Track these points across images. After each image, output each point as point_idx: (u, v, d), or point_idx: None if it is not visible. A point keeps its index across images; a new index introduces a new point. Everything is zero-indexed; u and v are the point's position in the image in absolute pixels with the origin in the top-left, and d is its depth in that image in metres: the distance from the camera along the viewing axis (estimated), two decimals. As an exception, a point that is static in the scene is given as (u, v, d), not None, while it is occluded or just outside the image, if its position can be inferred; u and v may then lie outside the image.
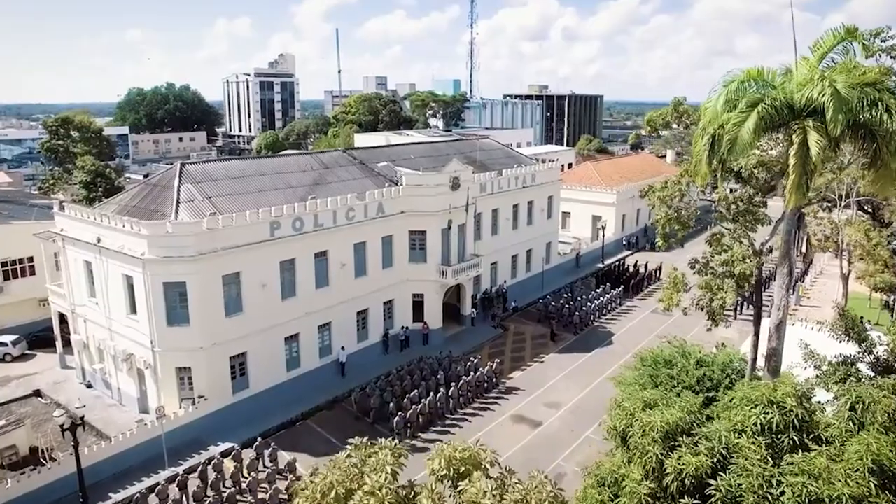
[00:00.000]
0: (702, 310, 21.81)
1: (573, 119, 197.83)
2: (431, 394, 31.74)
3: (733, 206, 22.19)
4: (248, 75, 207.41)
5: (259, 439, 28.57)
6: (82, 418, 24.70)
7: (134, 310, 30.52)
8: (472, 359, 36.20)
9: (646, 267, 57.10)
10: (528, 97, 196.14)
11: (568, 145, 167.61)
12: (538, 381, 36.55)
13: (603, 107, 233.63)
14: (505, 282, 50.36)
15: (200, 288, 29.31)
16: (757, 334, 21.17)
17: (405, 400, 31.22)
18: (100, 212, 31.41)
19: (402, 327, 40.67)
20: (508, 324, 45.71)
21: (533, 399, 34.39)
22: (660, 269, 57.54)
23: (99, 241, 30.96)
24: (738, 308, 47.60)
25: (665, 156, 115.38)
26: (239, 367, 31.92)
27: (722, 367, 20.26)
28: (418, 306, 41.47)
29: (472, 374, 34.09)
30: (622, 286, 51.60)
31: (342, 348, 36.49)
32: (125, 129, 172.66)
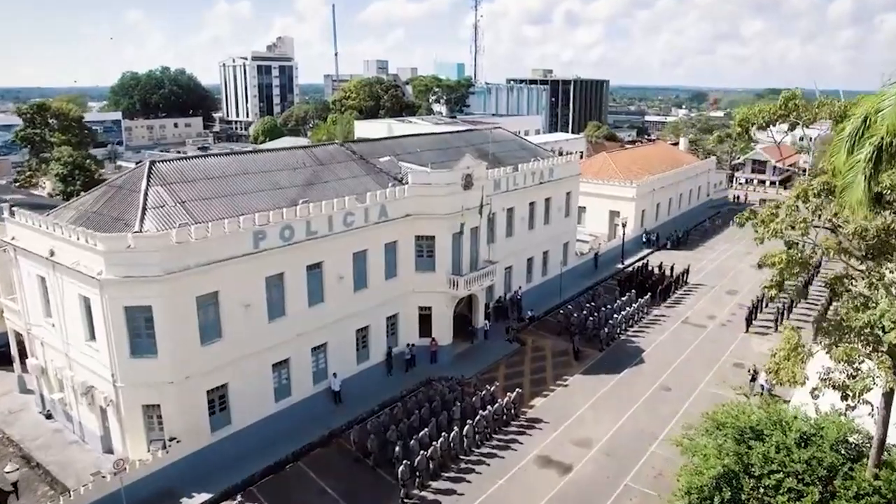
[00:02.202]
0: (834, 388, 16.09)
1: (578, 105, 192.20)
2: (444, 434, 27.11)
3: (872, 241, 16.53)
4: (245, 59, 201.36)
5: (239, 497, 23.99)
6: (15, 484, 20.10)
7: (93, 336, 25.89)
8: (487, 387, 31.55)
9: (672, 269, 52.34)
10: (533, 82, 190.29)
11: (573, 132, 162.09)
12: (563, 410, 31.94)
13: (608, 92, 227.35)
14: (520, 287, 45.69)
15: (170, 312, 24.63)
16: (888, 406, 16.22)
17: (412, 441, 26.64)
18: (52, 220, 26.63)
19: (408, 345, 36.04)
20: (525, 336, 41.05)
21: (559, 435, 29.79)
22: (687, 271, 52.83)
23: (52, 254, 26.24)
24: (781, 317, 42.96)
25: (678, 143, 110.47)
26: (219, 400, 27.32)
27: (832, 445, 15.55)
28: (425, 320, 36.80)
29: (489, 407, 29.44)
30: (648, 292, 46.82)
31: (334, 375, 31.88)
32: (118, 115, 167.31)
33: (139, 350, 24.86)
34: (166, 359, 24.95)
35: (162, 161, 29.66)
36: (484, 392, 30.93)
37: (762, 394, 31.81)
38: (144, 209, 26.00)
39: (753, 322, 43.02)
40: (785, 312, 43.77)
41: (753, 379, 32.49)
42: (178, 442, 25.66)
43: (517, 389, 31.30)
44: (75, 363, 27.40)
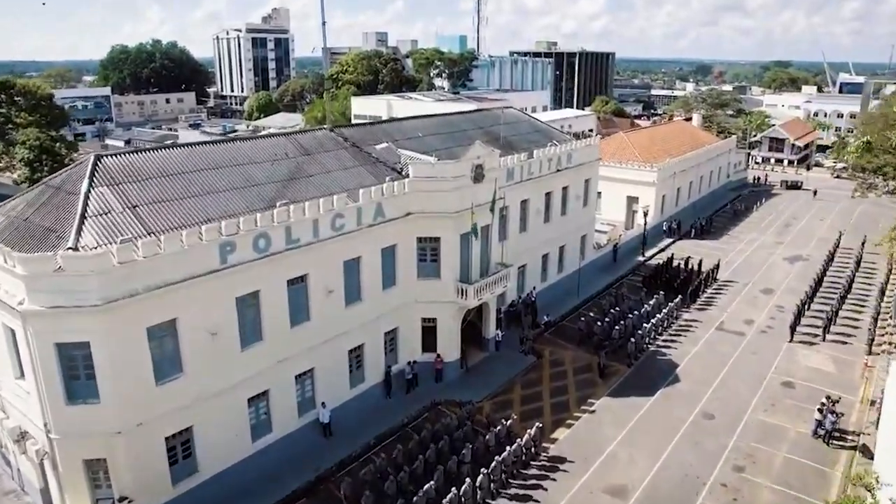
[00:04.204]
0: None
1: (584, 78, 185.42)
2: (453, 489, 22.40)
3: None
4: (240, 31, 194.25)
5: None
6: None
7: (22, 374, 21.15)
8: (503, 421, 26.83)
9: (700, 265, 47.45)
10: (537, 55, 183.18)
11: (578, 107, 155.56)
12: (591, 446, 27.29)
13: (614, 65, 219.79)
14: (534, 288, 40.88)
15: (113, 348, 19.81)
16: None
17: (415, 498, 22.00)
18: (-30, 231, 21.71)
19: (409, 363, 31.34)
20: (542, 347, 36.28)
21: (589, 480, 25.14)
22: (717, 267, 47.82)
23: (-28, 272, 21.38)
24: (827, 325, 38.11)
25: (689, 119, 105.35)
26: (181, 447, 22.66)
27: None
28: (429, 333, 32.06)
29: (507, 448, 24.76)
30: (678, 293, 41.98)
31: (322, 405, 27.23)
32: (107, 90, 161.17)
33: (77, 395, 20.11)
34: (111, 404, 20.20)
35: (111, 154, 24.52)
36: (499, 427, 26.22)
37: (826, 434, 27.14)
38: (83, 217, 21.00)
39: (797, 329, 38.12)
40: (833, 317, 38.94)
41: (821, 411, 27.61)
42: (129, 502, 21.04)
43: (537, 424, 26.50)
44: (7, 403, 22.72)
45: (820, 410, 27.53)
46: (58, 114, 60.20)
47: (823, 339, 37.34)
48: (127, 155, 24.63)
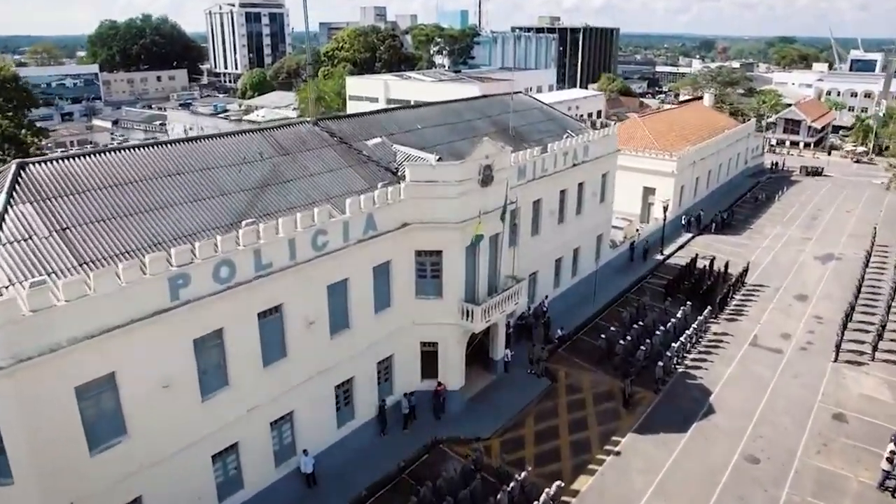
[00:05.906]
0: None
1: (587, 55, 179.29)
2: (459, 575, 18.48)
3: None
4: (233, 5, 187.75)
5: None
6: None
7: (-77, 442, 17.03)
8: (517, 476, 22.70)
9: (726, 267, 43.21)
10: (540, 30, 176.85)
11: (582, 85, 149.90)
12: (619, 500, 23.28)
13: (618, 41, 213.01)
14: (546, 297, 36.70)
15: (28, 417, 15.64)
16: None
17: (413, 587, 18.06)
18: None
19: (406, 395, 27.23)
20: (556, 366, 32.20)
21: (620, 548, 21.22)
22: (746, 271, 43.45)
23: None
24: (876, 342, 33.96)
25: (699, 98, 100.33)
26: (128, 521, 18.67)
27: None
28: (430, 358, 27.95)
29: (522, 514, 20.78)
30: (705, 301, 37.85)
31: (304, 452, 23.18)
32: (95, 68, 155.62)
33: (-15, 474, 16.03)
34: (29, 485, 16.09)
35: (39, 161, 20.03)
36: (513, 484, 22.15)
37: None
38: (-6, 246, 16.72)
39: (842, 346, 33.94)
40: (882, 332, 34.77)
41: (891, 461, 23.53)
42: None
43: (557, 483, 22.43)
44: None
45: (889, 460, 23.46)
46: (25, 96, 55.40)
47: (873, 359, 33.22)
48: (60, 161, 20.14)
